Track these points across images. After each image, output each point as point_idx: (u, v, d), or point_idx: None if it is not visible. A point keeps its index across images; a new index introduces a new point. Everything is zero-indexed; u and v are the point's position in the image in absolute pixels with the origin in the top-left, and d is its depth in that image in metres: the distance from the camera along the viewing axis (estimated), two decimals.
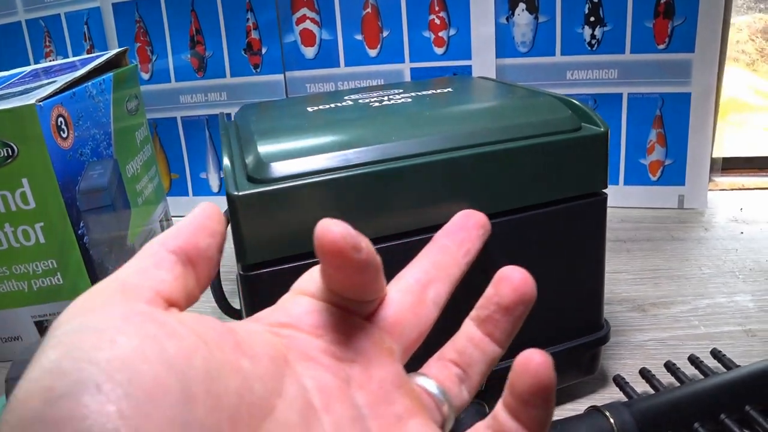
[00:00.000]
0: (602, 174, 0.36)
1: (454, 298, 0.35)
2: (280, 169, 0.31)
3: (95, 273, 0.51)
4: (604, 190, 0.37)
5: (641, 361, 0.47)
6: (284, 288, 0.31)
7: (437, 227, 0.33)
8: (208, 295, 0.57)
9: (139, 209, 0.63)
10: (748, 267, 0.59)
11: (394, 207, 0.32)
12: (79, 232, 0.49)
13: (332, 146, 0.32)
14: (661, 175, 0.71)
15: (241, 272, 0.31)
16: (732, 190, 0.77)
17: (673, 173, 0.71)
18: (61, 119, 0.49)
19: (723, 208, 0.72)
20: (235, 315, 0.50)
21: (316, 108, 0.40)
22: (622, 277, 0.58)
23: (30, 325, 0.51)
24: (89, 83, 0.55)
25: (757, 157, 0.83)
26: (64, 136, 0.49)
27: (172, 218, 0.75)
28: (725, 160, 0.79)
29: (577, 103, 0.37)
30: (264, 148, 0.32)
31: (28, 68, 0.64)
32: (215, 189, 0.79)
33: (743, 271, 0.58)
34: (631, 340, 0.49)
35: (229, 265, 0.63)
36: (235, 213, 0.30)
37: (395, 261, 0.33)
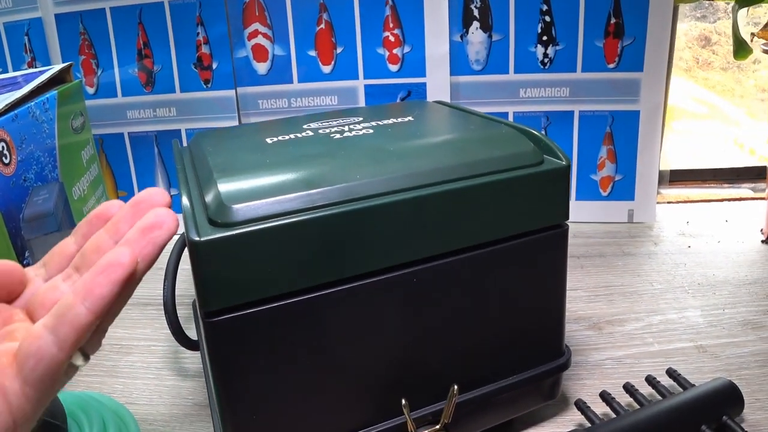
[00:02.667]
0: (564, 206, 0.37)
1: (430, 327, 0.35)
2: (242, 212, 0.30)
3: None
4: (566, 221, 0.37)
5: (599, 381, 0.48)
6: (249, 333, 0.31)
7: (405, 265, 0.33)
8: (162, 325, 0.55)
9: None
10: (697, 282, 0.61)
11: (360, 247, 0.31)
12: (24, 262, 0.47)
13: (296, 186, 0.31)
14: (612, 191, 0.73)
15: (204, 318, 0.30)
16: (678, 202, 0.80)
17: (623, 188, 0.73)
18: (2, 144, 0.46)
19: (670, 222, 0.74)
20: (193, 347, 0.48)
21: (275, 139, 0.39)
22: (577, 295, 0.59)
23: None
24: (32, 103, 0.52)
25: (701, 170, 0.86)
26: (6, 161, 0.47)
27: None
28: (671, 172, 0.82)
29: (538, 134, 0.37)
30: (225, 188, 0.31)
31: None
32: None
33: (692, 285, 0.60)
34: (589, 360, 0.50)
35: (183, 288, 0.62)
36: (196, 258, 0.29)
37: (363, 301, 0.33)
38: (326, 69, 0.71)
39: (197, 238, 0.28)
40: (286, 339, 0.31)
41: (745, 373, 0.47)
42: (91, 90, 0.74)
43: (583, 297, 0.59)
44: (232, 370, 0.31)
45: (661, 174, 0.76)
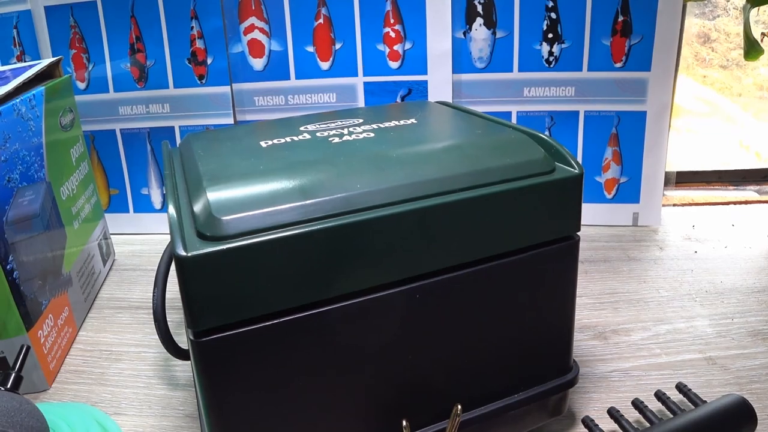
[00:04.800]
0: (576, 217, 0.35)
1: (433, 344, 0.33)
2: (234, 224, 0.28)
3: (26, 309, 0.47)
4: (577, 233, 0.35)
5: (606, 394, 0.46)
6: (240, 354, 0.29)
7: (407, 280, 0.31)
8: (153, 330, 0.54)
9: (76, 232, 0.59)
10: (704, 289, 0.59)
11: (360, 261, 0.29)
12: (8, 267, 0.45)
13: (291, 196, 0.29)
14: (617, 193, 0.71)
15: (192, 338, 0.28)
16: (683, 205, 0.78)
17: (628, 191, 0.71)
18: None
19: (676, 225, 0.72)
20: (184, 356, 0.46)
21: (269, 142, 0.37)
22: (582, 302, 0.58)
23: None
24: (17, 100, 0.50)
25: (705, 171, 0.85)
26: None
27: (111, 236, 0.70)
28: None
29: (548, 140, 0.35)
30: (215, 197, 0.29)
31: None
32: (157, 205, 0.75)
33: (700, 293, 0.58)
34: (595, 372, 0.48)
35: (174, 291, 0.60)
36: (183, 275, 0.27)
37: (362, 318, 0.31)
38: (324, 65, 0.69)
39: (184, 254, 0.26)
40: (280, 359, 0.29)
41: (756, 387, 0.46)
42: (81, 85, 0.71)
43: (587, 304, 0.57)
44: (221, 391, 0.29)
45: (667, 176, 0.74)
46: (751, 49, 0.64)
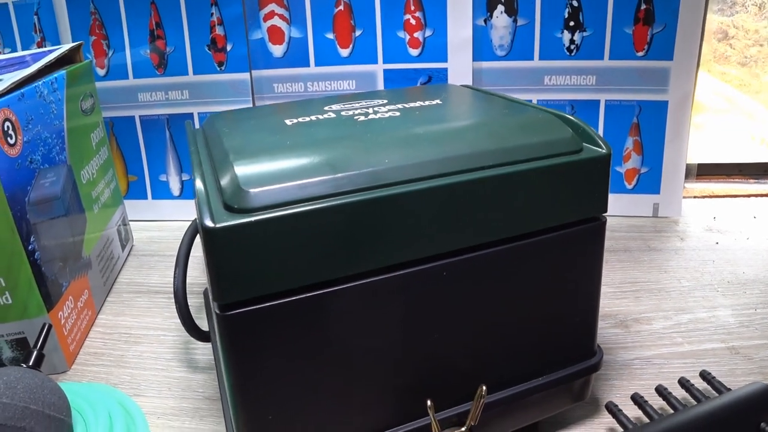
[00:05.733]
0: (603, 198, 0.34)
1: (458, 325, 0.33)
2: (261, 196, 0.27)
3: (47, 290, 0.47)
4: (603, 214, 0.35)
5: (628, 381, 0.45)
6: (266, 328, 0.29)
7: (434, 258, 0.31)
8: (173, 314, 0.54)
9: (96, 216, 0.59)
10: (726, 279, 0.58)
11: (388, 237, 0.29)
12: (30, 247, 0.45)
13: (319, 170, 0.29)
14: (637, 183, 0.70)
15: (217, 311, 0.28)
16: (703, 197, 0.77)
17: (649, 181, 0.70)
18: (8, 124, 0.44)
19: (696, 217, 0.72)
20: (204, 337, 0.47)
21: (294, 121, 0.37)
22: (603, 291, 0.57)
23: None
24: (39, 82, 0.50)
25: (726, 164, 0.84)
26: (12, 142, 0.45)
27: (130, 223, 0.70)
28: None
29: (577, 121, 0.35)
30: (242, 170, 0.29)
31: None
32: (176, 192, 0.75)
33: (722, 284, 0.58)
34: (617, 359, 0.48)
35: (194, 276, 0.60)
36: (210, 247, 0.27)
37: (389, 295, 0.30)
38: (344, 53, 0.69)
39: (212, 225, 0.26)
40: (305, 335, 0.29)
41: None
42: (101, 72, 0.72)
43: (608, 293, 0.57)
44: (246, 367, 0.29)
45: (688, 168, 0.73)
46: None
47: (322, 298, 0.29)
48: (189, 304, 0.45)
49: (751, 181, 0.83)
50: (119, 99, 0.72)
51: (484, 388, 0.33)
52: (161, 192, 0.75)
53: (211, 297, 0.29)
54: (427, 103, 0.40)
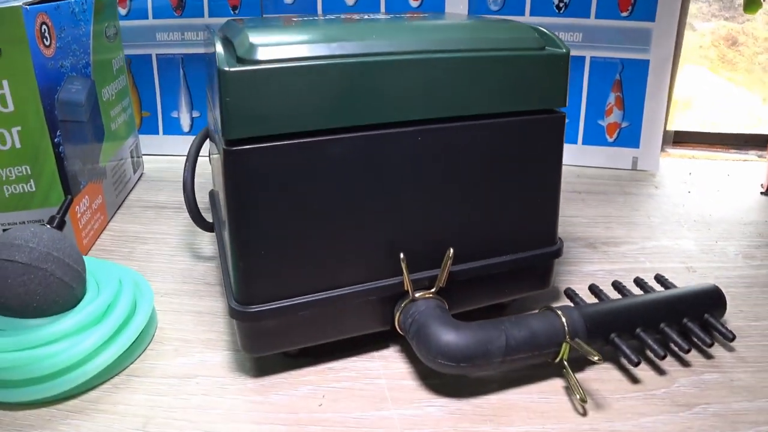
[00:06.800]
0: (562, 93, 0.39)
1: (430, 189, 0.37)
2: (268, 51, 0.32)
3: (68, 185, 0.52)
4: (562, 109, 0.40)
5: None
6: (265, 166, 0.33)
7: (411, 123, 0.36)
8: (182, 210, 0.58)
9: (112, 133, 0.64)
10: (693, 219, 0.63)
11: (371, 97, 0.34)
12: (56, 140, 0.50)
13: (317, 39, 0.34)
14: (618, 137, 0.75)
15: (225, 147, 0.33)
16: (682, 158, 0.82)
17: (629, 136, 0.75)
18: (44, 26, 0.49)
19: (673, 172, 0.76)
20: (208, 228, 0.51)
21: (300, 19, 0.42)
22: (576, 221, 0.62)
23: None
24: (72, 0, 0.55)
25: (707, 133, 0.88)
26: (47, 43, 0.50)
27: (143, 156, 0.75)
28: (678, 133, 0.84)
29: (542, 29, 0.40)
30: (253, 35, 0.34)
31: None
32: (186, 128, 0.80)
33: (688, 221, 0.62)
34: (582, 270, 0.52)
35: (201, 196, 0.64)
36: (223, 88, 0.31)
37: (371, 150, 0.35)
38: (350, 1, 0.74)
39: (226, 68, 0.31)
40: (297, 177, 0.34)
41: (732, 291, 0.49)
42: (123, 11, 0.77)
43: (582, 222, 0.61)
44: (245, 200, 0.34)
45: (666, 133, 0.78)
46: (751, 2, 0.68)
47: (314, 146, 0.34)
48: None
49: (732, 150, 0.87)
50: (138, 38, 0.77)
51: (452, 250, 0.38)
52: (172, 128, 0.80)
53: (220, 135, 0.33)
54: (416, 16, 0.45)
